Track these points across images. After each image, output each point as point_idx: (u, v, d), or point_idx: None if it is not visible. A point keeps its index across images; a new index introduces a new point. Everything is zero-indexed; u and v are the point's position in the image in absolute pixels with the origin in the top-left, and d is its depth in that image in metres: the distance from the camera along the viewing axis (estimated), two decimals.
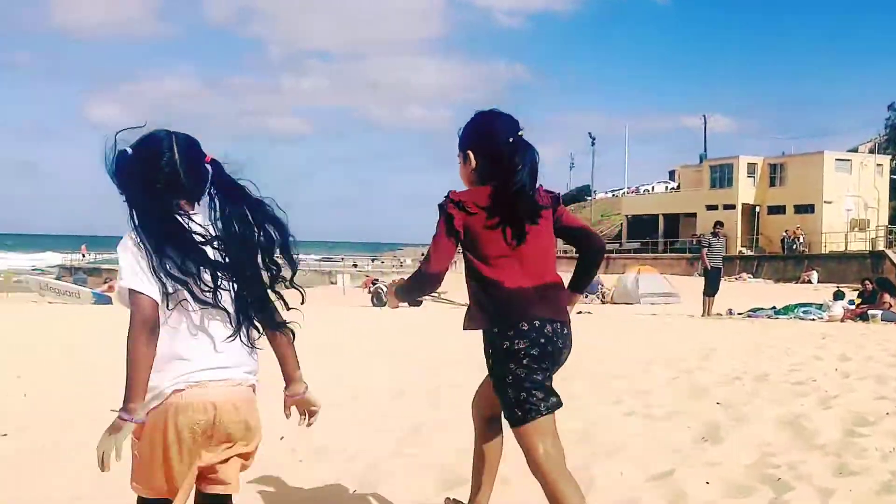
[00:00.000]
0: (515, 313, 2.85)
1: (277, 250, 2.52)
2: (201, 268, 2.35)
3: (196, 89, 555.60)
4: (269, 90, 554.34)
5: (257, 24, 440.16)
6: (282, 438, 4.78)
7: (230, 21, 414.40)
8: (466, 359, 6.94)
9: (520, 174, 2.84)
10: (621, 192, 74.44)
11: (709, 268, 18.21)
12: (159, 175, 2.38)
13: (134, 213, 2.35)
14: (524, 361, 2.83)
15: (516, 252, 2.89)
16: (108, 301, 25.14)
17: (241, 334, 2.43)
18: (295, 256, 2.56)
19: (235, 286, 2.44)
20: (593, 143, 76.56)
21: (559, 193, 3.09)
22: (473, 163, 2.96)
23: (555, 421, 2.92)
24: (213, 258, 2.39)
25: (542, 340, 2.85)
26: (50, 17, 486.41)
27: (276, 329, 2.55)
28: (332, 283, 58.85)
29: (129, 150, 2.39)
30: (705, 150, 70.09)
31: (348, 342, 11.58)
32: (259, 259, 2.49)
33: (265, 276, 2.51)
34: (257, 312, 2.49)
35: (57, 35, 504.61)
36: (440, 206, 2.88)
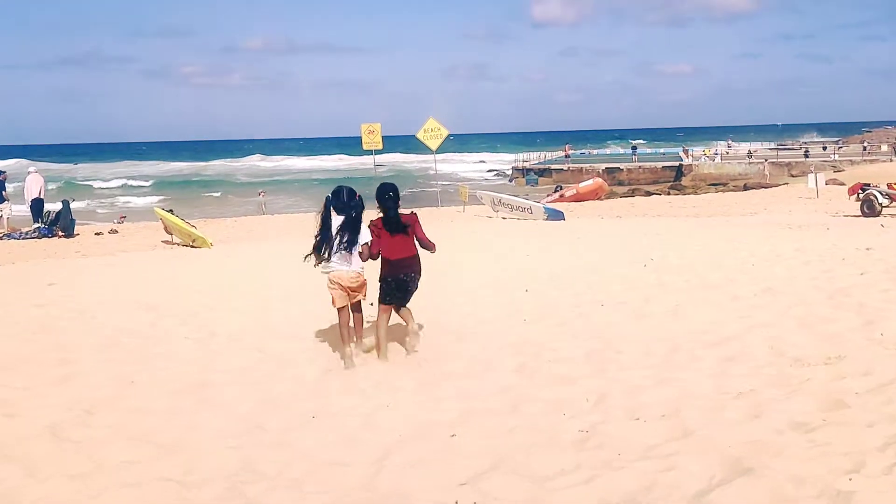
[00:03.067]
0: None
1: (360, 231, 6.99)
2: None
3: None
4: None
5: None
6: None
7: None
8: None
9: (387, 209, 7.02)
10: None
11: None
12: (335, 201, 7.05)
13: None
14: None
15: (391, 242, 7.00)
16: (561, 217, 23.98)
17: (347, 257, 6.94)
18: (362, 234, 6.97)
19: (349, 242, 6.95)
20: None
21: (414, 213, 7.18)
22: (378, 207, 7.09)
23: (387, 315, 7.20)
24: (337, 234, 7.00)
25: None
26: None
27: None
28: (791, 175, 52.38)
29: (330, 195, 7.09)
30: None
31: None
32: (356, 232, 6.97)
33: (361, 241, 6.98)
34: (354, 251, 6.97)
35: None
36: (368, 226, 6.98)
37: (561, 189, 40.08)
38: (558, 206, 28.00)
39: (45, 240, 22.85)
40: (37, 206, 24.61)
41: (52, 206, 24.62)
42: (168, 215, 21.63)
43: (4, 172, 25.84)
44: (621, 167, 58.79)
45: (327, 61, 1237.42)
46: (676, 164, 58.87)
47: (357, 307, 7.19)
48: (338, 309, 7.11)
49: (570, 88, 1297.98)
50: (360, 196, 7.02)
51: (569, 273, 11.08)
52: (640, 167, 59.03)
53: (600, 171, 54.82)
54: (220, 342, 7.70)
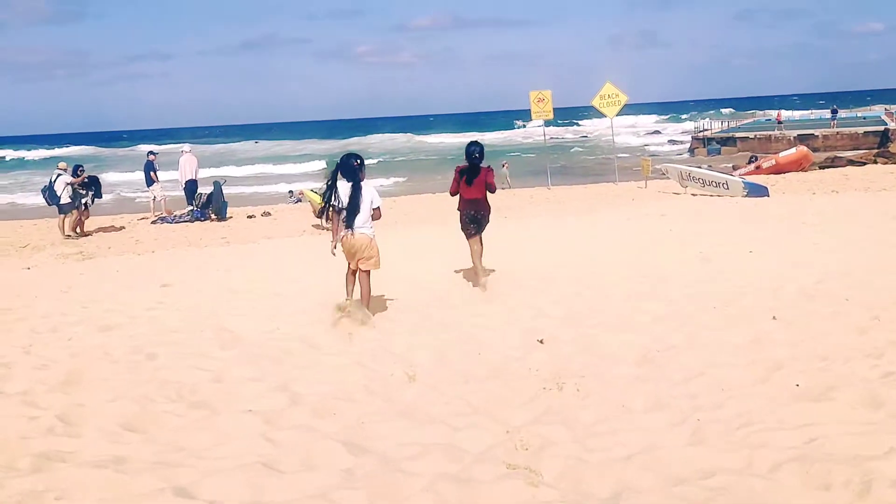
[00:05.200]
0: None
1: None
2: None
3: None
4: None
5: None
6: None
7: None
8: None
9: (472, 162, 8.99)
10: None
11: None
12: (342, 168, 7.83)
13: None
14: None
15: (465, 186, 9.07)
16: (765, 192, 19.94)
17: (359, 221, 7.61)
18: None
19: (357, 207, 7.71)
20: None
21: (490, 167, 9.00)
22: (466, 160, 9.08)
23: (477, 240, 8.96)
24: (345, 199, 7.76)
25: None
26: None
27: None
28: None
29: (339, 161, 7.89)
30: None
31: None
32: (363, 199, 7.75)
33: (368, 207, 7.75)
34: (363, 214, 7.68)
35: None
36: (455, 168, 9.29)
37: (756, 160, 34.95)
38: (756, 180, 23.74)
39: (197, 223, 21.56)
40: (191, 187, 23.45)
41: (204, 189, 23.27)
42: (316, 197, 19.59)
43: (155, 154, 24.82)
44: (816, 133, 52.21)
45: (493, 35, 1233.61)
46: (881, 128, 51.58)
47: (365, 277, 7.68)
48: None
49: (745, 53, 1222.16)
50: (362, 161, 7.85)
51: (827, 285, 7.62)
52: (837, 133, 52.20)
53: (791, 138, 48.76)
54: (295, 421, 4.78)
